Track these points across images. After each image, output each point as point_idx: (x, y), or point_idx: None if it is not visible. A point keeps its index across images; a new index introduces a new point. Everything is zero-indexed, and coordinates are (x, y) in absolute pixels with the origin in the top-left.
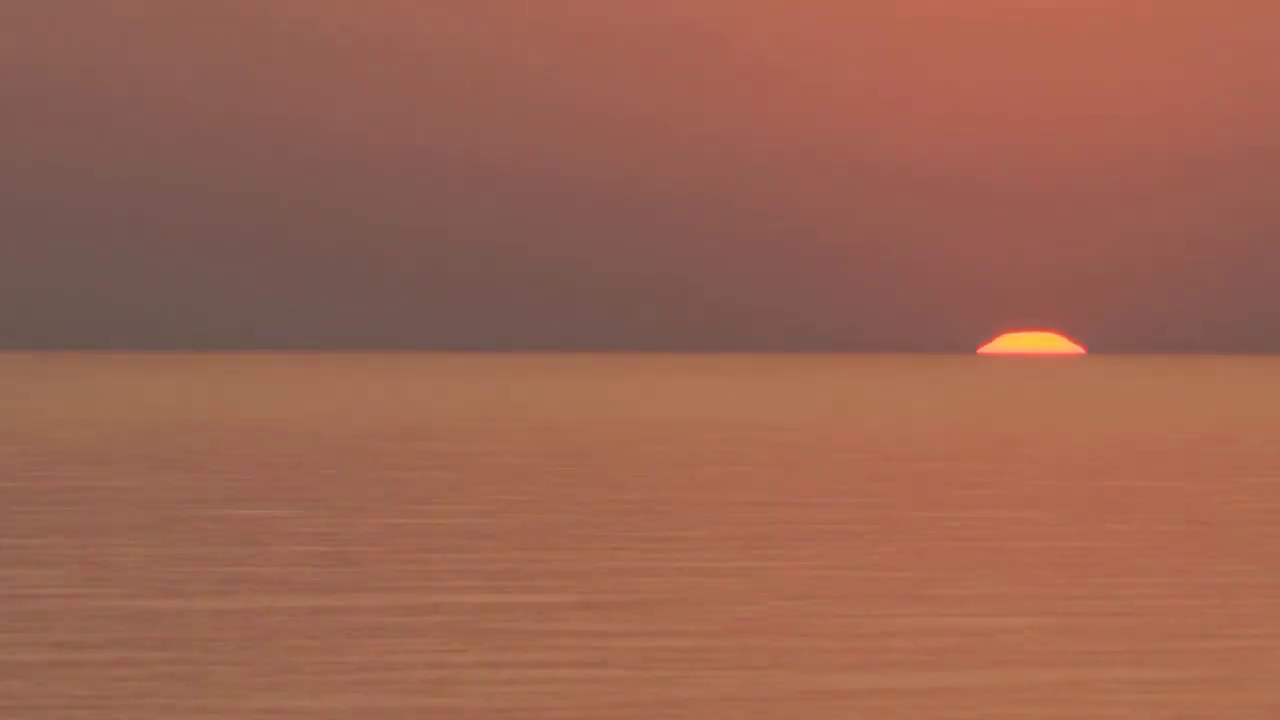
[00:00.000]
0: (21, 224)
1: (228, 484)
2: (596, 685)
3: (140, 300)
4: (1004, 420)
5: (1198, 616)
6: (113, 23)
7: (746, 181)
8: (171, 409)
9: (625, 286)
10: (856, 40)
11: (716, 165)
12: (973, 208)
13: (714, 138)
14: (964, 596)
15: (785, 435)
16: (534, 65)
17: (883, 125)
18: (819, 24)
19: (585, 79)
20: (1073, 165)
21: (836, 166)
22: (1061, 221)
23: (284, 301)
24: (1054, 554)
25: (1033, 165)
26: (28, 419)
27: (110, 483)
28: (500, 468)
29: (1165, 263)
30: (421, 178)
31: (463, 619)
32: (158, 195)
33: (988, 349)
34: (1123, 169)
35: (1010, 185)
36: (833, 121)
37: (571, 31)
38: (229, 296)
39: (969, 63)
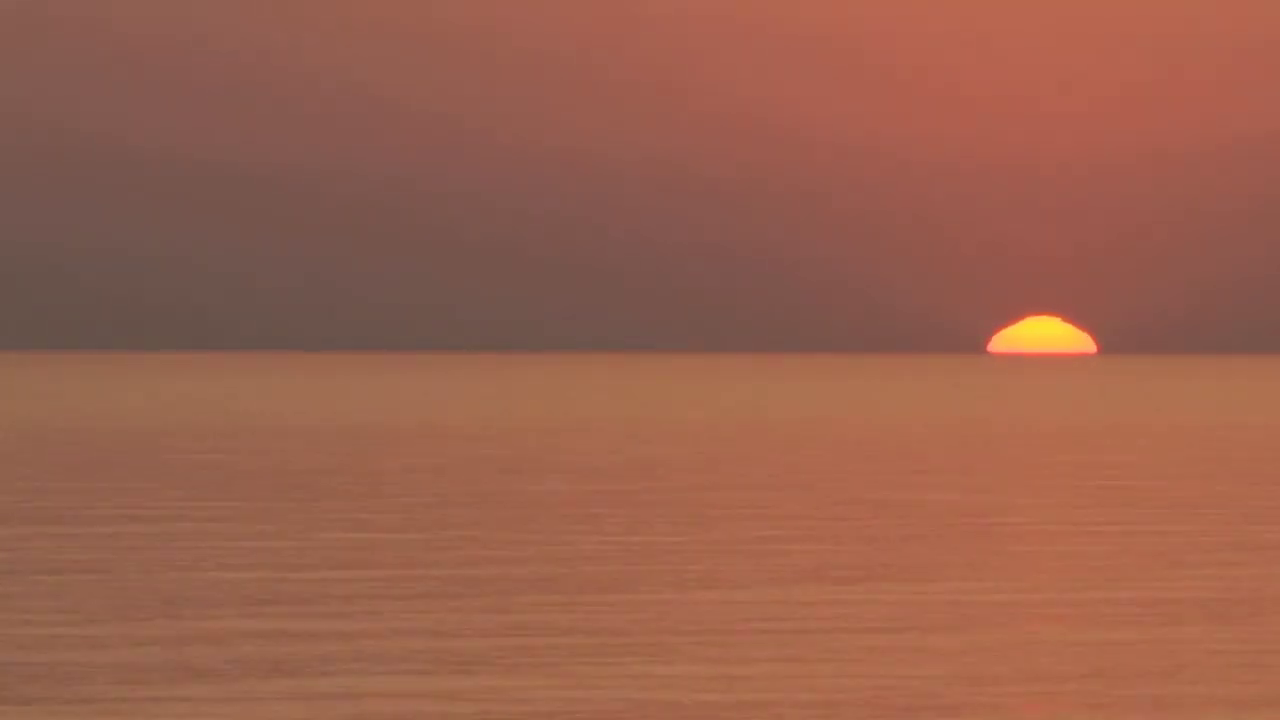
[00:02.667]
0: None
1: None
2: None
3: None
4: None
5: None
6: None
7: (743, 180)
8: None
9: (617, 286)
10: (854, 32)
11: (712, 161)
12: (977, 201)
13: (712, 132)
14: None
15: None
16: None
17: (885, 119)
18: (822, 16)
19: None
20: (1076, 158)
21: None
22: (1065, 219)
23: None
24: None
25: (1041, 156)
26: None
27: None
28: None
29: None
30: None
31: None
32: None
33: (993, 347)
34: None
35: (1018, 177)
36: (834, 115)
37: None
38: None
39: (973, 52)
